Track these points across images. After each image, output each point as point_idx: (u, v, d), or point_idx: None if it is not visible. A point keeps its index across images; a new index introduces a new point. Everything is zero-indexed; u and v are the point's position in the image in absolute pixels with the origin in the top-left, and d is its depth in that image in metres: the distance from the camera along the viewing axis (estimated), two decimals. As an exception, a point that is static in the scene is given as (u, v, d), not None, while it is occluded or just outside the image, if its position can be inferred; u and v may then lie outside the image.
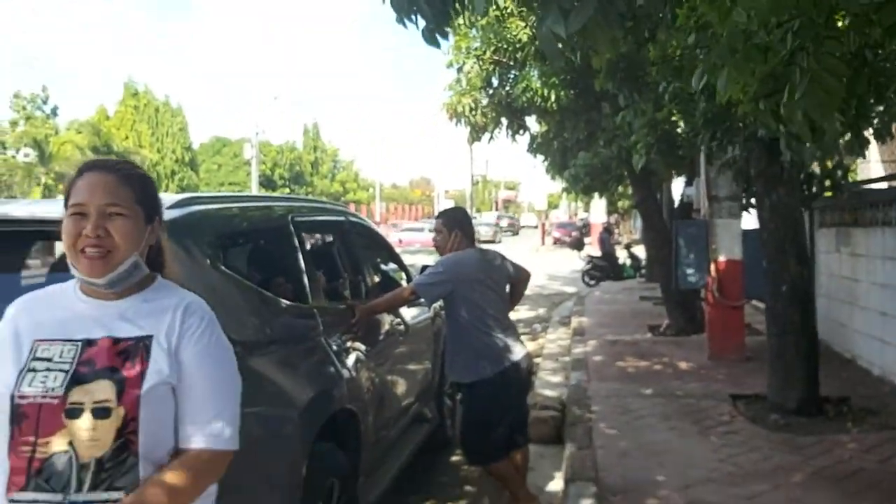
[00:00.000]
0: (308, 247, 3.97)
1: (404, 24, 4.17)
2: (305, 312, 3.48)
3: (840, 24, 3.17)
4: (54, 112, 44.01)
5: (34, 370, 1.60)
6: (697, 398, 6.31)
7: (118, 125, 46.02)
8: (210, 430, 1.66)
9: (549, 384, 7.67)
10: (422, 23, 4.23)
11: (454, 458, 5.36)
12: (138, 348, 1.64)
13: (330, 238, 4.44)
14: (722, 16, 2.97)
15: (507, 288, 4.44)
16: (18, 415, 1.56)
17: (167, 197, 3.02)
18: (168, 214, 2.75)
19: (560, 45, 2.62)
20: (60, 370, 1.59)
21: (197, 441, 1.65)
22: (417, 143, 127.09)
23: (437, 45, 4.02)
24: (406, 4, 3.98)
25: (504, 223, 57.62)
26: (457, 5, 4.01)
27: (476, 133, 11.04)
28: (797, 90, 2.88)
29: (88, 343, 1.63)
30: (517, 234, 57.04)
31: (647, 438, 5.24)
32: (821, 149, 4.22)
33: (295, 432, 2.96)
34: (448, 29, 4.05)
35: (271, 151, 63.68)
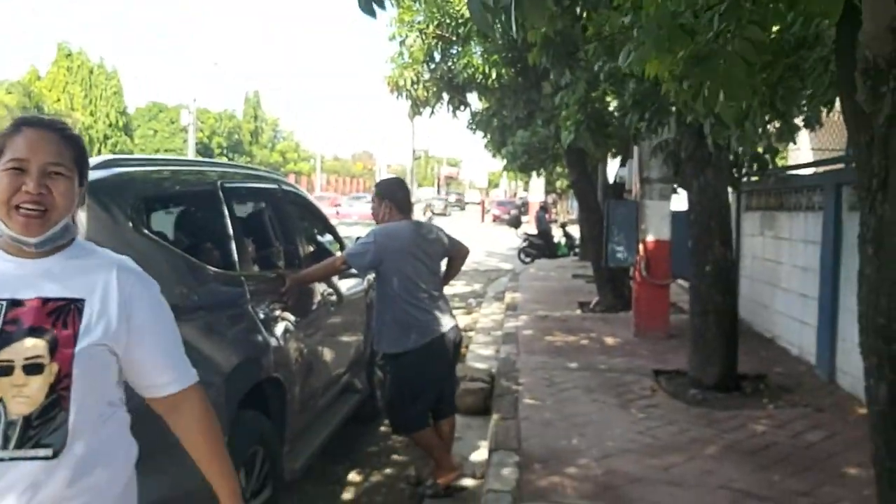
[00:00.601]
0: (238, 214, 3.93)
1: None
2: (232, 280, 3.45)
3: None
4: (-20, 70, 42.26)
5: None
6: (621, 372, 6.50)
7: (50, 86, 44.36)
8: (180, 373, 1.76)
9: (480, 357, 7.79)
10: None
11: (382, 429, 5.42)
12: (69, 309, 1.62)
13: (262, 205, 4.40)
14: (653, -4, 3.04)
15: (443, 262, 4.49)
16: None
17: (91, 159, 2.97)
18: (91, 175, 2.71)
19: (490, 18, 2.64)
20: None
21: (174, 386, 1.74)
22: (360, 117, 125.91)
23: (373, 15, 4.01)
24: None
25: (452, 199, 62.19)
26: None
27: (417, 107, 11.02)
28: (713, 72, 2.97)
29: (14, 303, 1.60)
30: (464, 209, 58.27)
31: (571, 410, 5.39)
32: (742, 134, 4.35)
33: (218, 399, 2.94)
34: (386, -1, 4.03)
35: (210, 119, 62.23)
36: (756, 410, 5.47)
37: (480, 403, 5.86)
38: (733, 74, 2.72)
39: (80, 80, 45.88)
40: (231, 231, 3.58)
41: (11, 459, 1.54)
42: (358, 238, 4.69)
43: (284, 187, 4.81)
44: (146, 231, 2.90)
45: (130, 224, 2.81)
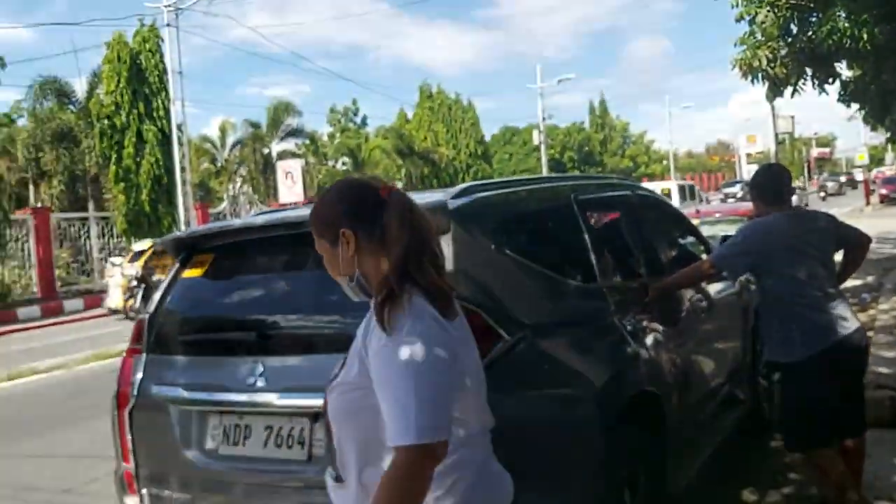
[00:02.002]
0: (594, 224, 3.86)
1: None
2: (594, 293, 3.38)
3: None
4: (364, 122, 48.85)
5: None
6: None
7: (417, 127, 49.53)
8: (392, 427, 1.62)
9: (883, 360, 6.74)
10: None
11: (774, 444, 4.92)
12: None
13: (618, 214, 4.28)
14: None
15: (838, 254, 3.91)
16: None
17: (448, 189, 3.11)
18: (451, 204, 2.84)
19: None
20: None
21: (390, 440, 1.63)
22: (709, 108, 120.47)
23: None
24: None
25: (842, 179, 58.04)
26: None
27: (776, 87, 10.07)
28: None
29: None
30: (856, 188, 53.64)
31: None
32: None
33: (592, 415, 2.88)
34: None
35: (559, 135, 64.41)
36: None
37: (889, 414, 5.05)
38: None
39: (441, 117, 50.51)
40: (589, 243, 3.50)
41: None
42: (725, 237, 4.32)
43: (638, 192, 4.64)
44: (508, 251, 2.94)
45: (493, 246, 2.87)
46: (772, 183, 3.88)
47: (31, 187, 28.26)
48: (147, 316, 3.26)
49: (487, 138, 58.53)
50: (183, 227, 22.09)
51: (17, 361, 11.51)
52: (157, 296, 3.32)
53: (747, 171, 47.85)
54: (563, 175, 5.80)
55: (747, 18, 9.58)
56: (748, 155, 51.39)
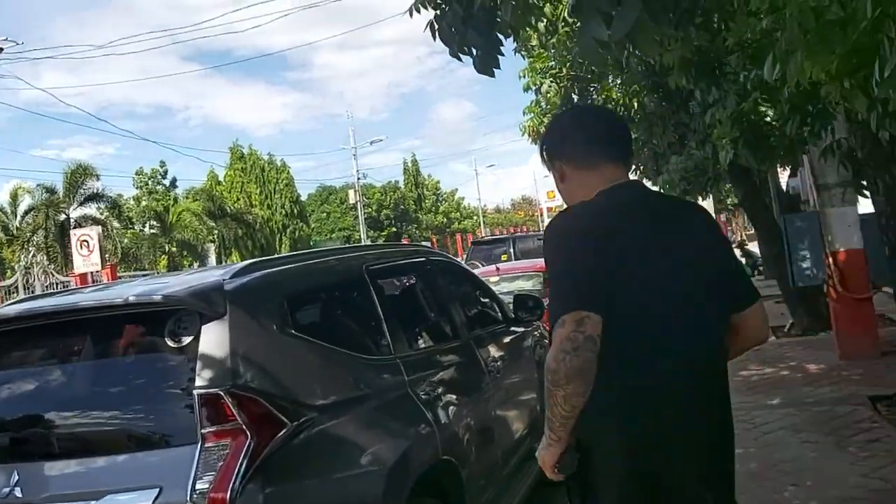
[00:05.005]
0: (387, 294, 3.89)
1: (459, 58, 4.07)
2: (389, 365, 3.38)
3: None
4: (173, 184, 46.84)
5: None
6: (831, 404, 5.82)
7: (229, 188, 48.23)
8: None
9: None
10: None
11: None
12: None
13: (412, 281, 4.35)
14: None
15: None
16: None
17: (228, 267, 3.02)
18: (228, 285, 2.76)
19: (602, 50, 2.47)
20: None
21: None
22: (512, 166, 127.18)
23: (492, 74, 3.88)
24: (456, 38, 3.88)
25: None
26: (507, 29, 3.89)
27: (563, 151, 10.80)
28: (887, 64, 2.58)
29: None
30: None
31: (779, 456, 4.85)
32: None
33: (385, 493, 2.85)
34: (501, 56, 3.92)
35: (375, 193, 65.06)
36: None
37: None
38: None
39: (254, 178, 49.57)
40: (382, 314, 3.52)
41: None
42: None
43: (433, 258, 4.75)
44: (293, 331, 2.89)
45: (275, 327, 2.81)
46: None
47: None
48: None
49: (304, 198, 58.08)
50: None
51: None
52: None
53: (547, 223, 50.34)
54: (354, 245, 5.80)
55: (534, 88, 10.27)
56: (549, 209, 54.48)
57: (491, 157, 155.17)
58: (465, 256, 23.50)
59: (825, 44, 2.71)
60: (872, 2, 2.53)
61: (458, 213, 75.78)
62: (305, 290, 3.27)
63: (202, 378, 2.47)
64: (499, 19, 3.40)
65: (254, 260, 3.22)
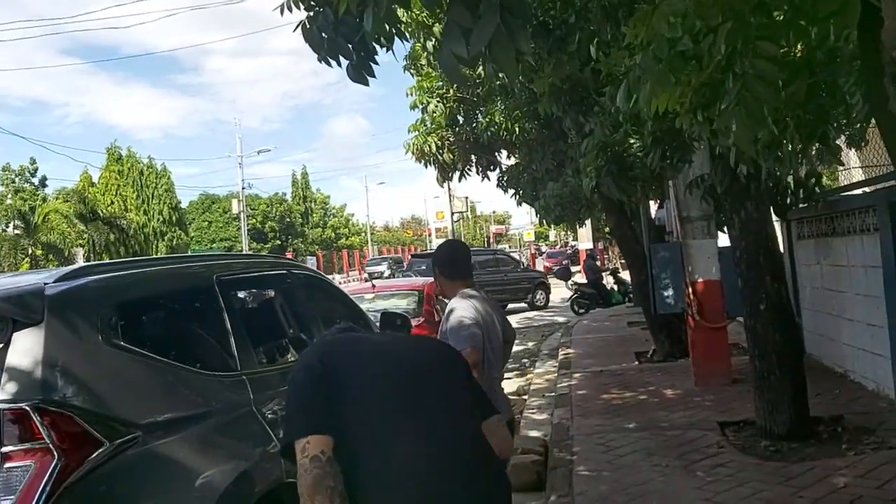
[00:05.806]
0: (240, 307, 3.71)
1: (329, 64, 3.96)
2: (233, 382, 3.21)
3: (779, 18, 2.90)
4: (42, 183, 44.20)
5: None
6: (683, 429, 6.01)
7: (103, 190, 45.93)
8: None
9: (534, 423, 7.37)
10: (345, 62, 4.01)
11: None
12: None
13: (270, 295, 4.18)
14: (643, 26, 2.76)
15: None
16: None
17: (55, 271, 2.79)
18: (50, 290, 2.53)
19: (462, 67, 2.42)
20: None
21: None
22: (403, 185, 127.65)
23: (366, 83, 3.81)
24: (325, 43, 3.78)
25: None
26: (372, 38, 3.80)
27: (445, 172, 10.87)
28: (726, 97, 2.67)
29: None
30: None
31: (630, 479, 4.94)
32: (776, 160, 4.00)
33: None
34: (375, 65, 3.85)
35: (261, 205, 63.70)
36: (835, 459, 4.95)
37: (535, 479, 5.45)
38: (752, 97, 2.41)
39: (131, 181, 47.41)
40: (230, 328, 3.34)
41: None
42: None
43: (295, 271, 4.59)
44: (122, 343, 2.68)
45: (101, 337, 2.60)
46: (450, 258, 3.69)
47: None
48: None
49: (185, 205, 56.04)
50: None
51: None
52: None
53: (436, 244, 50.74)
54: (206, 254, 5.53)
55: (420, 107, 10.28)
56: (437, 229, 54.93)
57: (383, 175, 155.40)
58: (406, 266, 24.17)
59: (671, 76, 2.77)
60: (726, 38, 2.62)
61: (346, 229, 75.21)
62: (140, 298, 3.06)
63: (6, 391, 2.25)
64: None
65: (85, 264, 2.98)
